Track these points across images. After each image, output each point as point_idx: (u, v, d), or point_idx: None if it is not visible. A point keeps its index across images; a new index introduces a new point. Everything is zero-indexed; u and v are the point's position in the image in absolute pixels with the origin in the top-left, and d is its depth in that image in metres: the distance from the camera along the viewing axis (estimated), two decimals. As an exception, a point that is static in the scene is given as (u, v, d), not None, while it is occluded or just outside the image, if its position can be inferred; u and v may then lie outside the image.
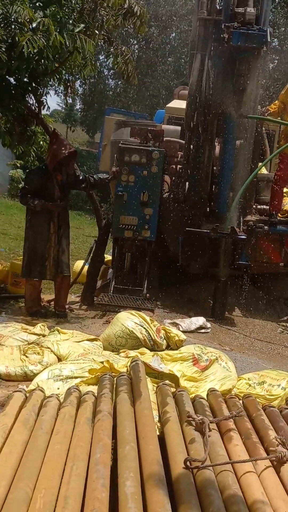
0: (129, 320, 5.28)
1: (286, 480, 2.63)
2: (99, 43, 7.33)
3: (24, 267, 6.67)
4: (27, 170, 8.23)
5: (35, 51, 5.48)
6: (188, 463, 2.59)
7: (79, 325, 6.30)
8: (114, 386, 3.70)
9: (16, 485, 2.33)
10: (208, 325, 6.44)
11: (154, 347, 5.16)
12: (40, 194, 6.48)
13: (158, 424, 3.25)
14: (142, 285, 7.14)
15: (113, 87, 29.98)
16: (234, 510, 2.30)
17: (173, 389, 3.77)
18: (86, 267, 7.85)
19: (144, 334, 5.18)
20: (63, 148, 6.47)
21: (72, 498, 2.26)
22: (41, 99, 6.78)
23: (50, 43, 5.52)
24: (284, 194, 7.80)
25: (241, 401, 3.68)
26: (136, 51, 27.14)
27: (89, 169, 22.93)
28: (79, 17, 6.07)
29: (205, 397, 3.72)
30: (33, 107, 6.84)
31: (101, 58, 23.16)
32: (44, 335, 5.33)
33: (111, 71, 28.08)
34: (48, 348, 4.79)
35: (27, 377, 4.38)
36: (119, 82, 28.10)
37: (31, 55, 5.54)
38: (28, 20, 5.50)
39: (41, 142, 7.58)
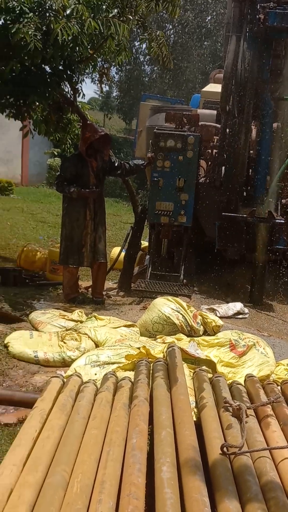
0: (165, 306, 5.28)
1: None
2: (134, 29, 7.28)
3: (62, 255, 6.72)
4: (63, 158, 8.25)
5: (69, 38, 5.47)
6: (225, 449, 2.58)
7: (116, 311, 6.32)
8: (151, 371, 3.71)
9: (53, 469, 2.35)
10: (246, 310, 6.38)
11: (191, 333, 5.15)
12: (76, 182, 6.49)
13: (195, 409, 3.25)
14: (178, 271, 7.13)
15: (148, 73, 29.83)
16: (271, 496, 2.29)
17: (210, 375, 3.76)
18: (123, 253, 7.86)
19: (181, 320, 5.17)
20: (94, 132, 6.47)
21: (109, 482, 2.27)
22: (76, 87, 6.78)
23: (85, 29, 5.50)
24: None
25: (279, 387, 3.65)
26: (172, 35, 26.90)
27: (126, 155, 22.92)
28: (112, 3, 6.03)
29: (243, 383, 3.70)
30: (68, 95, 6.85)
31: (136, 44, 23.04)
32: (81, 322, 5.37)
33: (147, 57, 27.93)
34: (86, 334, 4.83)
35: (65, 363, 4.43)
36: (155, 68, 27.93)
37: (65, 42, 5.53)
38: (62, 7, 5.49)
39: (77, 130, 7.59)
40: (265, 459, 2.57)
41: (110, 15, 5.82)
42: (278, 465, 2.57)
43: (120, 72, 29.30)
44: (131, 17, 6.15)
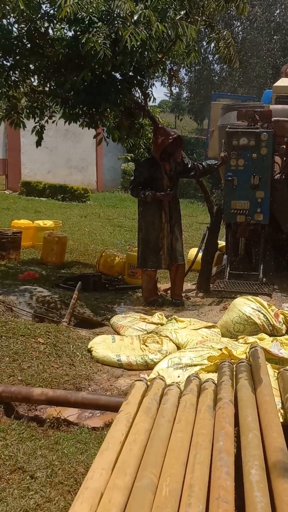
0: (246, 306, 5.23)
1: None
2: (201, 29, 7.26)
3: (139, 258, 6.78)
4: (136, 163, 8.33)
5: (138, 43, 5.52)
6: (314, 451, 2.52)
7: (196, 312, 6.31)
8: (234, 373, 3.68)
9: (141, 473, 2.37)
10: None
11: (273, 332, 5.07)
12: (150, 185, 6.54)
13: (281, 411, 3.20)
14: (257, 270, 7.03)
15: (218, 72, 29.62)
16: None
17: (295, 375, 3.69)
18: (200, 254, 7.84)
19: (262, 319, 5.11)
20: (166, 136, 6.49)
21: (197, 486, 2.27)
22: (147, 92, 6.84)
23: (153, 34, 5.53)
24: None
25: None
26: (240, 32, 26.61)
27: (198, 156, 22.84)
28: (180, 5, 6.04)
29: None
30: (139, 100, 6.91)
31: (204, 44, 22.94)
32: (162, 324, 5.40)
33: (216, 56, 27.75)
34: (167, 336, 4.85)
35: (148, 366, 4.47)
36: (224, 67, 27.70)
37: (134, 48, 5.59)
38: (129, 13, 5.54)
39: (149, 134, 7.64)
40: None
41: (178, 18, 5.83)
42: None
43: (189, 73, 29.26)
44: (199, 18, 6.14)
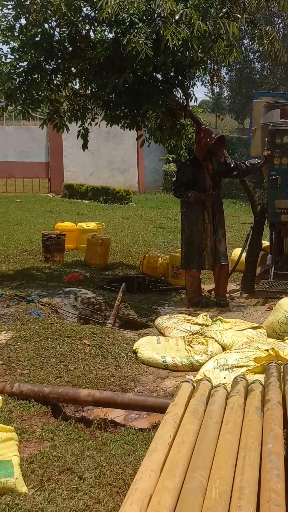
0: (292, 306, 5.15)
1: None
2: (242, 27, 7.19)
3: (183, 259, 6.76)
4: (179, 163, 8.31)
5: (179, 42, 5.50)
6: None
7: (241, 313, 6.26)
8: (282, 374, 3.62)
9: (190, 475, 2.35)
10: None
11: None
12: (193, 186, 6.52)
13: None
14: (303, 269, 6.93)
15: (259, 70, 29.33)
16: None
17: None
18: (244, 254, 7.77)
19: (309, 320, 5.02)
20: (209, 136, 6.45)
21: (247, 488, 2.24)
22: (188, 92, 6.81)
23: (194, 32, 5.50)
24: None
25: None
26: (281, 29, 26.28)
27: (240, 155, 22.65)
28: (221, 3, 6.00)
29: None
30: (180, 100, 6.89)
31: (245, 42, 22.75)
32: (207, 325, 5.37)
33: (256, 54, 27.49)
34: (212, 337, 4.82)
35: (193, 367, 4.45)
36: (266, 64, 27.40)
37: (175, 47, 5.57)
38: (171, 12, 5.53)
39: (190, 135, 7.61)
40: None
41: (219, 15, 5.78)
42: None
43: (230, 72, 29.06)
44: (240, 16, 6.08)
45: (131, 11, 5.46)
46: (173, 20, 5.58)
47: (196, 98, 7.06)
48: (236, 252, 8.71)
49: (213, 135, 6.49)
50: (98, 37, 6.32)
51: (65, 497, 2.55)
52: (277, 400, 3.11)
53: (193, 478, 2.32)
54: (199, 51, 6.13)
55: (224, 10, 5.87)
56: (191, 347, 4.69)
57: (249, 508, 2.11)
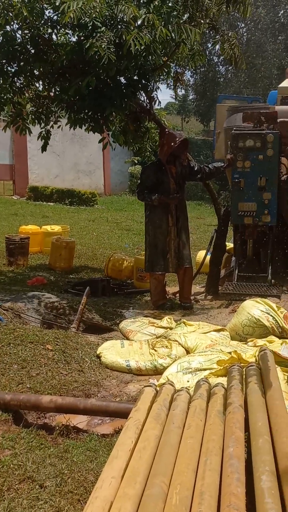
0: (255, 308, 5.19)
1: None
2: (206, 31, 7.24)
3: (147, 262, 6.77)
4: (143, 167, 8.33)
5: (142, 48, 5.51)
6: None
7: (205, 315, 6.29)
8: (244, 377, 3.65)
9: (151, 481, 2.35)
10: None
11: (282, 334, 5.03)
12: (157, 189, 6.53)
13: (292, 415, 3.16)
14: (266, 271, 6.99)
15: (223, 73, 29.60)
16: None
17: (305, 378, 3.66)
18: (209, 257, 7.81)
19: (272, 322, 5.07)
20: (173, 139, 6.48)
21: (208, 493, 2.25)
22: (152, 95, 6.83)
23: (157, 38, 5.52)
24: None
25: None
26: (245, 33, 26.58)
27: (206, 157, 22.81)
28: (183, 8, 6.03)
29: None
30: (144, 104, 6.90)
31: (209, 46, 22.90)
32: (171, 328, 5.38)
33: (221, 58, 27.73)
34: (176, 341, 4.82)
35: (157, 371, 4.45)
36: (230, 68, 27.69)
37: (138, 52, 5.58)
38: (133, 18, 5.54)
39: (155, 137, 7.63)
40: None
41: (181, 21, 5.81)
42: None
43: (195, 75, 29.25)
44: (202, 21, 6.12)
45: (94, 15, 5.45)
46: (136, 25, 5.58)
47: (160, 102, 7.09)
48: (200, 255, 8.75)
49: (176, 139, 6.51)
50: (61, 40, 6.29)
51: (25, 506, 2.52)
52: (238, 403, 3.13)
53: (154, 484, 2.31)
54: (162, 55, 6.15)
55: (186, 16, 5.90)
56: (155, 350, 4.69)
57: (209, 513, 2.12)
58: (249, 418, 2.99)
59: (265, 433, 2.74)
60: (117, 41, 5.66)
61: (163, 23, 5.59)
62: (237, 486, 2.28)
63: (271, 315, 5.13)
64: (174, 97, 40.13)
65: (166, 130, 6.72)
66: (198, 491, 2.26)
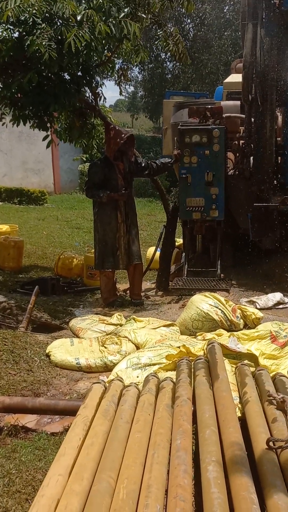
0: (203, 303, 5.24)
1: None
2: (151, 27, 7.25)
3: (97, 259, 6.74)
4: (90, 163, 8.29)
5: (83, 45, 5.47)
6: (271, 444, 2.54)
7: (155, 311, 6.31)
8: (192, 370, 3.69)
9: (99, 476, 2.35)
10: (286, 300, 6.28)
11: (231, 327, 5.10)
12: (105, 186, 6.51)
13: (239, 405, 3.22)
14: (215, 266, 7.07)
15: (171, 69, 29.68)
16: None
17: (252, 369, 3.72)
18: (158, 253, 7.84)
19: (220, 315, 5.13)
20: (118, 135, 6.47)
21: (155, 486, 2.26)
22: (97, 91, 6.80)
23: (96, 34, 5.49)
24: None
25: None
26: (191, 29, 26.72)
27: (155, 154, 22.86)
28: (125, 2, 6.00)
29: (286, 374, 3.64)
30: (89, 100, 6.87)
31: (156, 42, 22.93)
32: (121, 325, 5.38)
33: (168, 53, 27.78)
34: (126, 337, 4.83)
35: (107, 368, 4.44)
36: (177, 64, 27.78)
37: (79, 50, 5.53)
38: (72, 14, 5.49)
39: (102, 134, 7.60)
40: (314, 451, 2.52)
41: (121, 16, 5.79)
42: None
43: (143, 71, 29.25)
44: (144, 16, 6.12)
45: (33, 11, 5.38)
46: (76, 21, 5.54)
47: (105, 98, 7.08)
48: (150, 251, 8.77)
49: (123, 135, 6.50)
50: (2, 35, 6.17)
51: (-28, 509, 2.49)
52: (186, 397, 3.16)
53: (101, 479, 2.32)
54: (106, 51, 6.13)
55: (127, 10, 5.87)
56: (105, 347, 4.68)
57: (156, 506, 2.13)
58: (197, 410, 3.02)
59: (212, 425, 2.77)
60: (58, 37, 5.60)
61: (103, 18, 5.56)
62: (183, 477, 2.31)
63: (219, 309, 5.19)
64: (124, 94, 40.17)
65: (112, 126, 6.69)
66: (146, 484, 2.28)
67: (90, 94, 6.83)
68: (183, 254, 7.62)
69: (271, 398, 3.03)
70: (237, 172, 7.42)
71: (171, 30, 6.61)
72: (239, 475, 2.29)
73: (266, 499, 2.22)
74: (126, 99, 39.66)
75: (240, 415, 3.06)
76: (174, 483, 2.27)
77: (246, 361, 3.88)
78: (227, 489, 2.23)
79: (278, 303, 6.19)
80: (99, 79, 6.69)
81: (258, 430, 2.73)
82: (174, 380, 3.53)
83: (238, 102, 8.21)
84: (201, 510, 2.16)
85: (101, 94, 6.90)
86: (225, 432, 2.69)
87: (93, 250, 7.12)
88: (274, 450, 2.53)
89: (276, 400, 2.99)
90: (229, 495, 2.20)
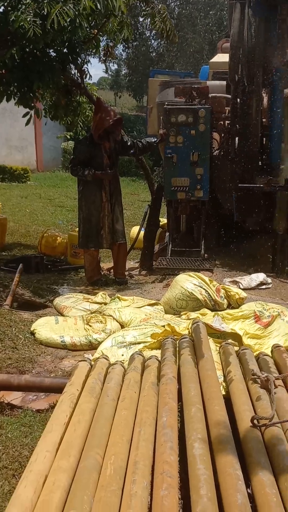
0: (188, 282, 5.27)
1: None
2: (137, 4, 7.17)
3: (81, 238, 6.72)
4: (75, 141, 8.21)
5: (67, 21, 5.38)
6: (255, 421, 2.58)
7: (139, 290, 6.33)
8: (177, 349, 3.72)
9: (86, 453, 2.38)
10: (269, 280, 6.34)
11: (215, 307, 5.14)
12: (90, 164, 6.47)
13: (223, 384, 3.26)
14: (199, 246, 7.10)
15: (156, 47, 29.43)
16: (305, 466, 2.28)
17: (236, 348, 3.76)
18: (142, 232, 7.85)
19: (204, 295, 5.16)
20: (108, 117, 6.41)
21: (142, 462, 2.29)
22: (82, 68, 6.72)
23: (81, 10, 5.40)
24: None
25: (306, 356, 3.63)
26: (176, 7, 26.47)
27: (139, 133, 22.74)
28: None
29: (269, 353, 3.69)
30: (75, 78, 6.79)
31: (140, 19, 22.66)
32: (105, 304, 5.40)
33: (153, 32, 27.53)
34: (110, 316, 4.84)
35: (92, 346, 4.46)
36: (162, 42, 27.54)
37: (63, 26, 5.44)
38: None
39: (87, 112, 7.54)
40: (297, 429, 2.56)
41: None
42: (309, 434, 2.56)
43: (127, 49, 28.98)
44: (130, -9, 6.05)
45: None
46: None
47: (91, 76, 6.99)
48: (134, 230, 8.78)
49: (111, 116, 6.43)
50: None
51: None
52: (172, 375, 3.20)
53: (88, 456, 2.34)
54: (92, 28, 6.04)
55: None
56: (90, 325, 4.70)
57: (143, 481, 2.16)
58: (182, 388, 3.05)
59: (197, 402, 2.81)
60: (43, 13, 5.50)
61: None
62: (170, 454, 2.34)
63: (203, 289, 5.22)
64: (106, 71, 39.79)
65: (102, 106, 6.59)
66: (132, 461, 2.31)
67: (76, 71, 6.75)
68: (167, 233, 7.64)
69: (255, 377, 3.07)
70: (222, 153, 7.43)
71: (159, 7, 6.54)
72: (225, 452, 2.33)
73: (251, 475, 2.26)
74: (110, 77, 39.24)
75: (224, 393, 3.09)
76: (160, 460, 2.30)
77: (230, 341, 3.92)
78: (213, 466, 2.27)
79: (261, 283, 6.24)
80: (85, 56, 6.60)
81: (242, 408, 2.77)
82: (159, 358, 3.56)
83: (224, 82, 8.18)
84: (187, 486, 2.20)
85: (86, 72, 6.82)
86: (210, 410, 2.73)
87: (77, 228, 7.10)
88: (258, 428, 2.57)
89: (260, 379, 3.03)
90: (215, 472, 2.24)
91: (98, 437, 2.51)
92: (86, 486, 2.12)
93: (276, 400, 2.80)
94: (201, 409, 2.75)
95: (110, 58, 7.44)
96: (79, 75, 6.76)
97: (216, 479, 2.19)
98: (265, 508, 2.01)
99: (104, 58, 7.43)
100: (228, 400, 2.94)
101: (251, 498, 2.13)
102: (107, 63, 7.36)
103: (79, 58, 6.38)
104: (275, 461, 2.33)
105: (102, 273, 7.11)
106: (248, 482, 2.23)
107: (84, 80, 6.86)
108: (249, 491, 2.19)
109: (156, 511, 1.99)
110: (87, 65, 6.72)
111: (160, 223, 8.01)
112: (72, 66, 6.54)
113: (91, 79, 7.24)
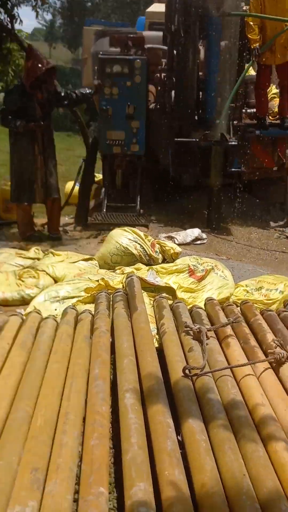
0: (123, 237, 5.23)
1: (284, 379, 2.65)
2: None
3: (13, 192, 6.53)
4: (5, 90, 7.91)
5: None
6: (187, 371, 2.60)
7: (74, 246, 6.26)
8: (111, 303, 3.69)
9: (16, 405, 2.34)
10: (204, 236, 6.40)
11: (150, 262, 5.14)
12: (22, 115, 6.23)
13: (156, 336, 3.26)
14: (135, 201, 7.05)
15: (91, -3, 28.66)
16: (234, 413, 2.32)
17: (170, 302, 3.77)
18: (77, 187, 7.71)
19: (139, 250, 5.14)
20: (40, 64, 6.17)
21: (73, 413, 2.27)
22: (12, 13, 6.42)
23: None
24: (274, 95, 7.54)
25: (238, 308, 3.68)
26: None
27: (74, 87, 22.19)
28: None
29: (203, 307, 3.72)
30: (5, 23, 6.49)
31: None
32: (39, 259, 5.30)
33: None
34: (44, 271, 4.75)
35: (25, 301, 4.37)
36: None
37: None
38: None
39: (17, 60, 7.25)
40: (227, 378, 2.59)
41: None
42: (239, 383, 2.60)
43: (60, -3, 28.09)
44: None
45: None
46: None
47: (21, 21, 6.69)
48: (69, 186, 8.62)
49: (44, 63, 6.18)
50: None
51: None
52: (105, 328, 3.17)
53: (18, 408, 2.30)
54: None
55: None
56: (22, 281, 4.60)
57: (73, 432, 2.15)
58: (115, 341, 3.03)
59: (130, 354, 2.80)
60: None
61: None
62: (101, 405, 2.33)
63: (138, 243, 5.20)
64: (41, 22, 38.38)
65: (33, 52, 6.32)
66: (63, 412, 2.28)
67: (6, 16, 6.44)
68: (103, 189, 7.54)
69: (188, 328, 3.08)
70: (158, 106, 7.34)
71: None
72: (156, 401, 2.34)
73: (181, 423, 2.27)
74: (44, 28, 37.99)
75: (157, 345, 3.10)
76: (92, 410, 2.28)
77: (164, 294, 3.92)
78: (144, 417, 2.27)
79: (196, 238, 6.29)
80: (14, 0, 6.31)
81: (174, 359, 2.78)
82: (93, 312, 3.53)
83: (161, 33, 8.03)
84: (118, 435, 2.20)
85: (17, 17, 6.53)
86: (142, 361, 2.73)
87: (9, 183, 6.90)
88: (190, 377, 2.59)
89: (193, 330, 3.04)
90: (146, 422, 2.24)
91: (28, 389, 2.47)
92: (15, 437, 2.09)
93: (208, 350, 2.83)
94: (134, 361, 2.74)
95: (41, 4, 7.13)
96: (9, 20, 6.45)
97: (148, 429, 2.19)
98: (194, 454, 2.03)
99: (35, 3, 7.12)
100: (161, 352, 2.95)
101: (182, 445, 2.15)
102: (38, 9, 7.01)
103: (8, 2, 6.08)
104: (205, 409, 2.36)
105: (36, 228, 6.97)
106: (179, 431, 2.25)
107: (15, 26, 6.57)
108: (179, 438, 2.21)
109: (86, 460, 1.97)
110: (17, 9, 6.44)
111: (96, 179, 7.89)
112: (1, 10, 6.23)
113: (21, 24, 6.94)
